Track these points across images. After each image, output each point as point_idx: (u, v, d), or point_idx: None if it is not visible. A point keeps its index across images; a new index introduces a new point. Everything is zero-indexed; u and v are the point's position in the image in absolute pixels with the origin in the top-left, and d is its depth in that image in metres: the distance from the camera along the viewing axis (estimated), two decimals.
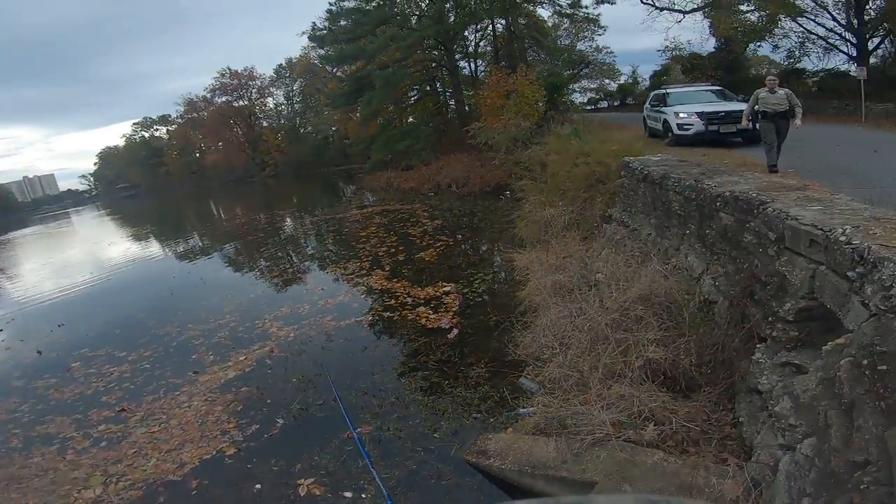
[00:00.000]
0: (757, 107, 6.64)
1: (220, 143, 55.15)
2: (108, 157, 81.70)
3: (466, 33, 29.01)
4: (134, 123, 69.99)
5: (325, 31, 28.24)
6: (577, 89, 33.04)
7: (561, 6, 28.15)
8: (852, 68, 18.20)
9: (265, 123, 54.05)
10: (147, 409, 6.04)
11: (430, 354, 6.08)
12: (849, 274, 2.20)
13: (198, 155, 62.66)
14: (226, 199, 40.57)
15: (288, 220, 21.45)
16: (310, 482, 4.20)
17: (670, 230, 5.54)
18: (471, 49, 30.55)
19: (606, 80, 36.88)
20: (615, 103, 36.81)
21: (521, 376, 5.00)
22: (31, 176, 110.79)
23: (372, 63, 24.63)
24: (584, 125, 13.43)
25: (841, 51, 21.23)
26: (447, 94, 30.87)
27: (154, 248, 21.24)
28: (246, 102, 52.89)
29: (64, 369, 7.65)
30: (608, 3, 26.69)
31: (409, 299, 8.05)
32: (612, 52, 32.54)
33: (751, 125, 7.80)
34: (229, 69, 51.03)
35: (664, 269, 4.93)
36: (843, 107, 17.95)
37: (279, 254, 14.98)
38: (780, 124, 6.44)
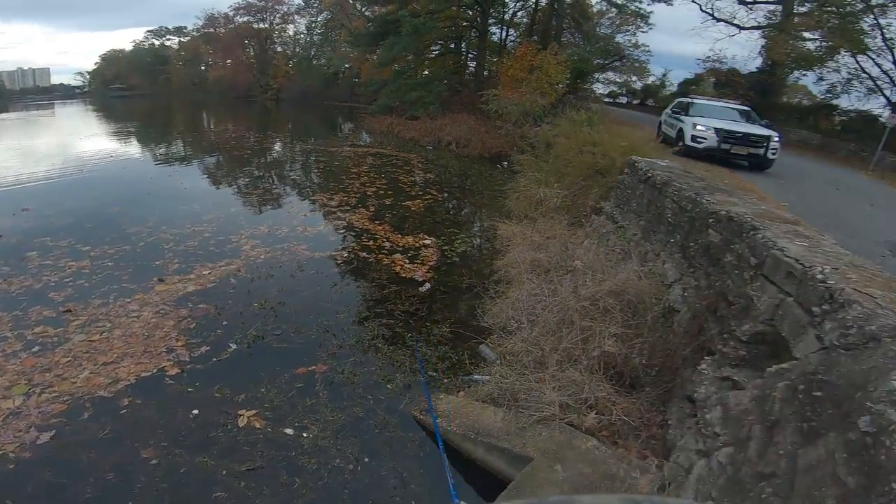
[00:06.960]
0: None
1: (228, 61, 52.66)
2: (110, 58, 73.52)
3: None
4: (148, 30, 65.82)
5: None
6: (601, 79, 32.20)
7: None
8: (885, 113, 17.59)
9: (279, 49, 52.27)
10: (92, 314, 5.50)
11: (399, 304, 6.02)
12: (813, 309, 2.26)
13: (203, 68, 59.27)
14: (221, 112, 39.04)
15: (278, 144, 20.87)
16: (251, 413, 4.03)
17: (656, 235, 5.57)
18: (507, 16, 29.32)
19: (634, 77, 35.92)
20: (635, 101, 36.09)
21: (483, 343, 5.00)
22: (25, 68, 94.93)
23: (404, 8, 23.59)
24: (600, 116, 13.22)
25: (884, 94, 20.50)
26: (470, 55, 29.89)
27: (133, 147, 20.16)
28: (266, 25, 50.79)
29: (19, 258, 7.03)
30: (665, 2, 25.34)
31: (387, 244, 8.01)
32: (649, 51, 31.18)
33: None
34: None
35: (640, 271, 4.99)
36: (858, 151, 17.67)
37: (263, 174, 14.61)
38: None
